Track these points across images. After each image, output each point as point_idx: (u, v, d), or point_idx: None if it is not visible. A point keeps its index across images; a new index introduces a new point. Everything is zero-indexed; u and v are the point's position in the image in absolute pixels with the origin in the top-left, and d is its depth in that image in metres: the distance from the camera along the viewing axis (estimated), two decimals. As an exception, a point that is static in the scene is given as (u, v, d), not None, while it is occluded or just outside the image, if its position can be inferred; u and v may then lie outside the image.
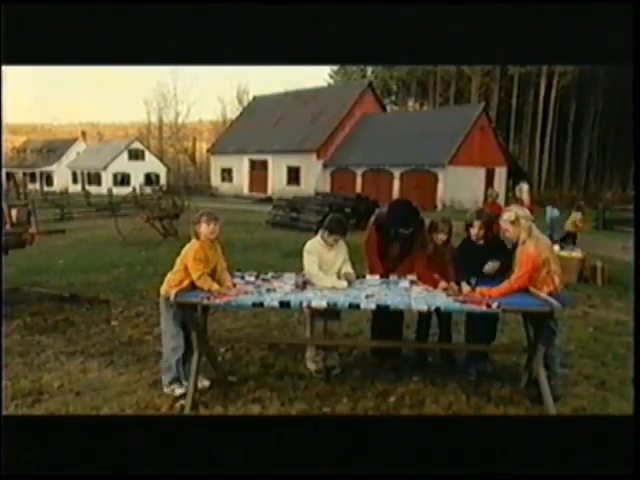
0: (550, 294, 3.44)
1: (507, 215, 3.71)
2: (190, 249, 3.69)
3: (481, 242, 3.97)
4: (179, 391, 3.71)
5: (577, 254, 8.27)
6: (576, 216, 12.39)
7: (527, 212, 3.78)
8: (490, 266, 3.85)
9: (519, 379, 3.87)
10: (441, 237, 4.06)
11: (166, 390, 3.77)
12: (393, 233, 4.13)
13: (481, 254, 3.91)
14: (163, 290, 3.73)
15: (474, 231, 3.94)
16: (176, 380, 3.77)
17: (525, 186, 8.02)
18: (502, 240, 4.00)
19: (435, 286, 3.81)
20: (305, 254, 3.93)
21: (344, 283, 3.80)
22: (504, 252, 3.92)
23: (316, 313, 3.95)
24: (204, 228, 3.69)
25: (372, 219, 4.37)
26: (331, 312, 3.90)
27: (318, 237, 4.01)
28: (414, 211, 4.14)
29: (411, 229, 4.05)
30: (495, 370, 4.22)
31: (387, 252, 4.27)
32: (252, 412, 3.48)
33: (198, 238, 3.73)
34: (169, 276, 3.77)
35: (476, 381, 3.98)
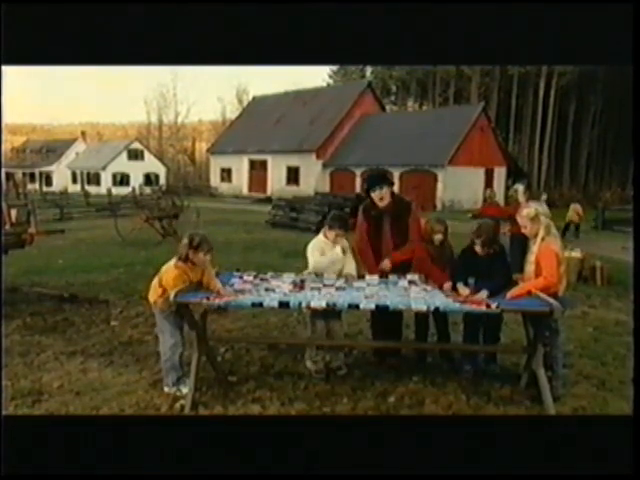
0: (555, 294, 3.43)
1: (526, 211, 3.66)
2: (170, 274, 3.56)
3: (483, 254, 3.84)
4: (185, 390, 3.66)
5: (577, 254, 8.27)
6: (575, 207, 14.45)
7: (546, 209, 3.71)
8: (483, 294, 3.55)
9: (519, 379, 3.87)
10: (438, 237, 4.06)
11: (170, 390, 3.73)
12: (372, 191, 4.22)
13: (481, 266, 3.77)
14: (151, 297, 3.74)
15: (477, 248, 3.82)
16: (181, 379, 3.76)
17: (520, 187, 7.99)
18: (505, 254, 3.93)
19: (440, 281, 3.80)
20: (309, 251, 4.05)
21: (338, 251, 4.07)
22: (504, 266, 3.83)
23: (316, 313, 3.96)
24: (200, 257, 3.54)
25: (360, 209, 4.42)
26: (332, 312, 3.91)
27: (320, 235, 4.11)
28: (383, 172, 4.65)
29: (382, 188, 4.16)
30: (495, 370, 4.22)
31: (379, 241, 4.27)
32: (252, 412, 3.48)
33: (182, 260, 3.55)
34: (155, 283, 3.73)
35: (476, 381, 3.98)
